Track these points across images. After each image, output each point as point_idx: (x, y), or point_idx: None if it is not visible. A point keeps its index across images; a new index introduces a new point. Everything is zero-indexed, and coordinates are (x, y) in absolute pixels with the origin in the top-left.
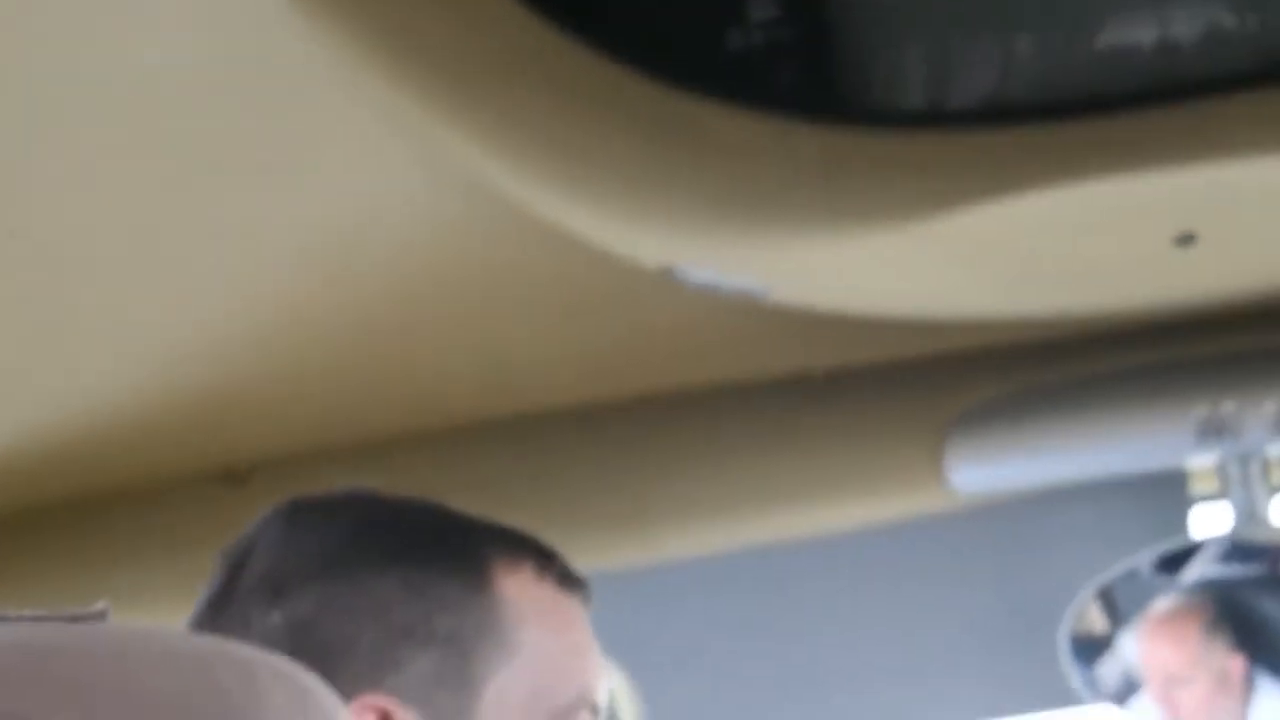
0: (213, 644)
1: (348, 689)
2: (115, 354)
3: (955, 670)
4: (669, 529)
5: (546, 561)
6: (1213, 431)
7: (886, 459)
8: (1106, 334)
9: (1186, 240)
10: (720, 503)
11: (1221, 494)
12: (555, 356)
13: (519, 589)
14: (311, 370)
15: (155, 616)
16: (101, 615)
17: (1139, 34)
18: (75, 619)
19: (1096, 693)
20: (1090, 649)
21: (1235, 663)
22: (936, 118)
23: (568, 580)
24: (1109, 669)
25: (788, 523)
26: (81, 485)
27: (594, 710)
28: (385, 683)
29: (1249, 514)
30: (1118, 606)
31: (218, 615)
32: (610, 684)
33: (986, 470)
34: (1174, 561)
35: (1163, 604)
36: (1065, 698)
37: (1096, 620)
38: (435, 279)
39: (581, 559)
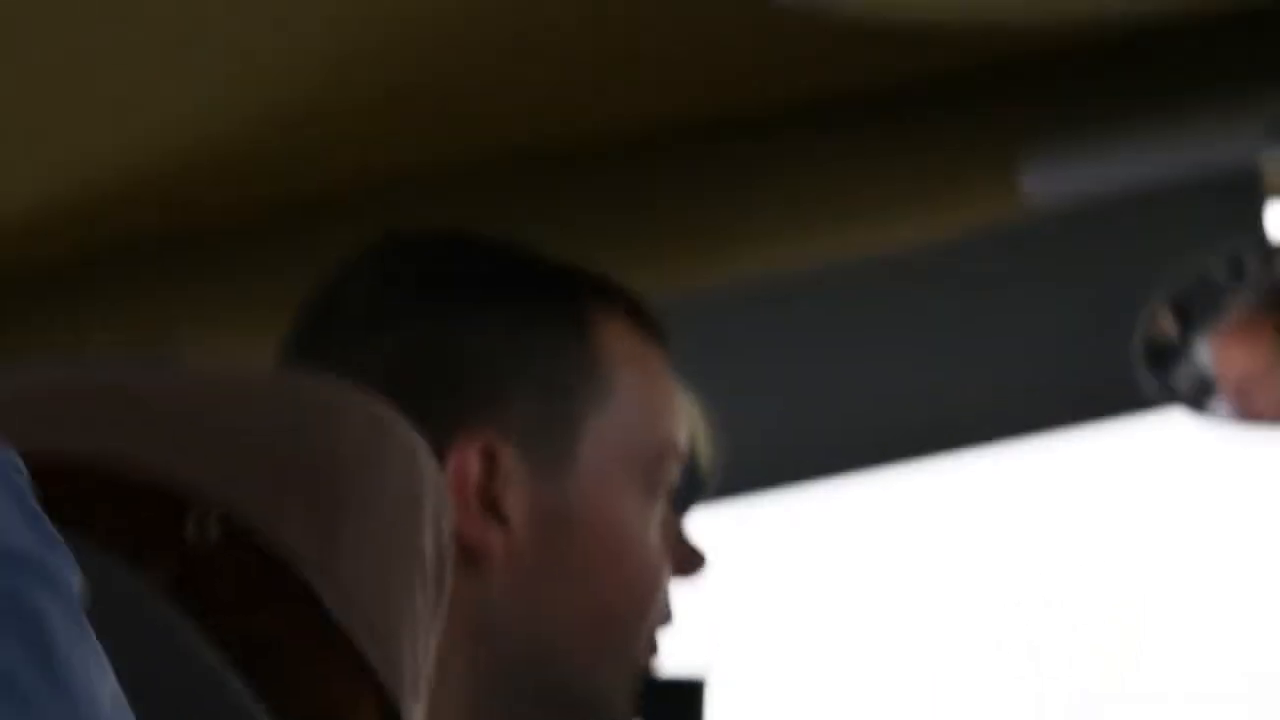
0: (288, 377)
1: (452, 424)
2: (202, 79)
3: (1028, 379)
4: (737, 250)
5: (636, 310)
6: None
7: (959, 169)
8: (1176, 31)
9: None
10: (791, 221)
11: None
12: (617, 77)
13: (614, 335)
14: (395, 94)
15: (251, 347)
16: (176, 353)
17: None
18: (149, 358)
19: (1171, 398)
20: (1164, 354)
21: None
22: None
23: (654, 330)
24: (1183, 374)
25: (859, 238)
26: (171, 218)
27: (679, 459)
28: (490, 421)
29: None
30: (1191, 311)
31: (315, 345)
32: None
33: (1060, 177)
34: (1248, 264)
35: (1236, 307)
36: (1139, 404)
37: (1169, 325)
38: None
39: (650, 285)
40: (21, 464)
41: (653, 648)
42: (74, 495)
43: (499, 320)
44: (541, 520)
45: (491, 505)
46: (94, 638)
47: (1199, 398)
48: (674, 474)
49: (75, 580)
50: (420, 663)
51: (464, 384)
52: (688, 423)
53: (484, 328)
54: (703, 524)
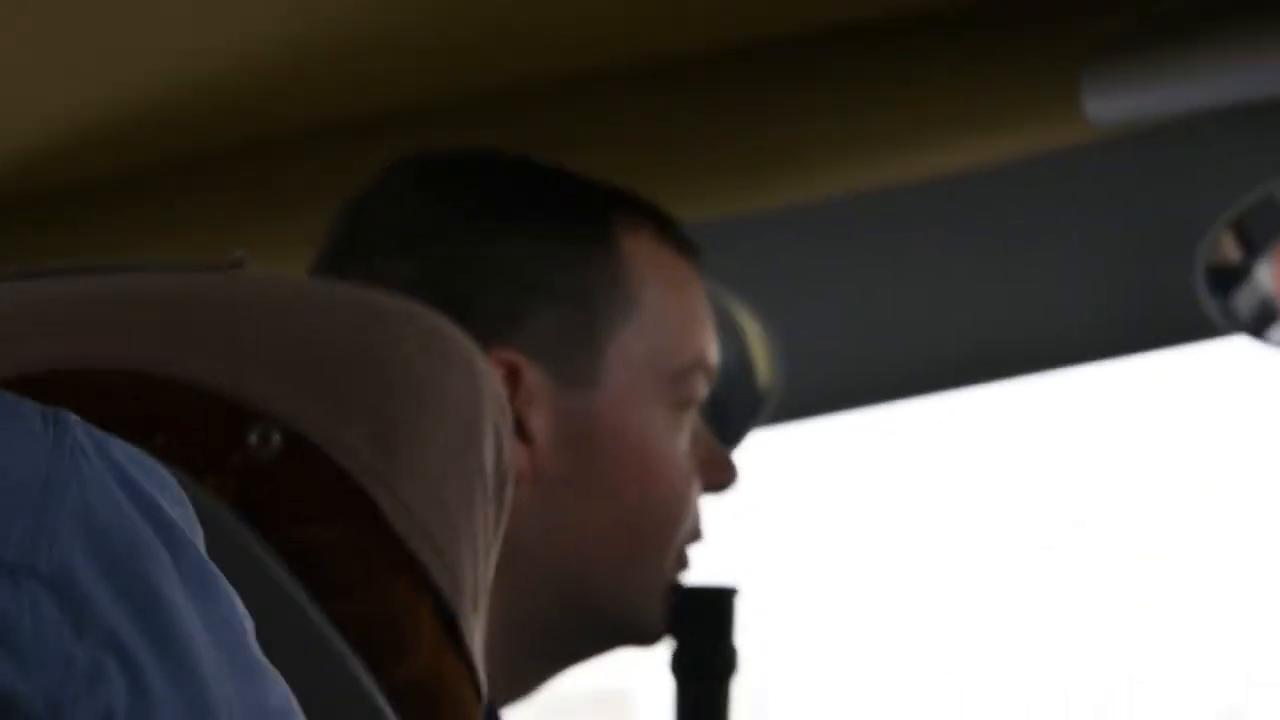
0: (346, 290)
1: (476, 343)
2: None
3: (1090, 304)
4: (795, 172)
5: (665, 226)
6: None
7: (1021, 92)
8: None
9: None
10: (849, 143)
11: None
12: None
13: (640, 250)
14: (429, 17)
15: (285, 269)
16: (238, 264)
17: None
18: (213, 269)
19: (1233, 323)
20: (1226, 279)
21: None
22: None
23: (684, 245)
24: (1245, 299)
25: (919, 161)
26: (207, 139)
27: (709, 374)
28: (513, 338)
29: None
30: (1254, 235)
31: (342, 264)
32: (742, 324)
33: (1123, 100)
34: None
35: None
36: (1202, 330)
37: (1231, 249)
38: None
39: (705, 207)
40: (182, 491)
41: (682, 563)
42: (137, 406)
43: (521, 236)
44: (567, 437)
45: (516, 423)
46: (252, 643)
47: (1261, 322)
48: (703, 388)
49: (196, 538)
50: (480, 576)
51: (486, 301)
52: (718, 337)
53: (506, 244)
54: (755, 445)
